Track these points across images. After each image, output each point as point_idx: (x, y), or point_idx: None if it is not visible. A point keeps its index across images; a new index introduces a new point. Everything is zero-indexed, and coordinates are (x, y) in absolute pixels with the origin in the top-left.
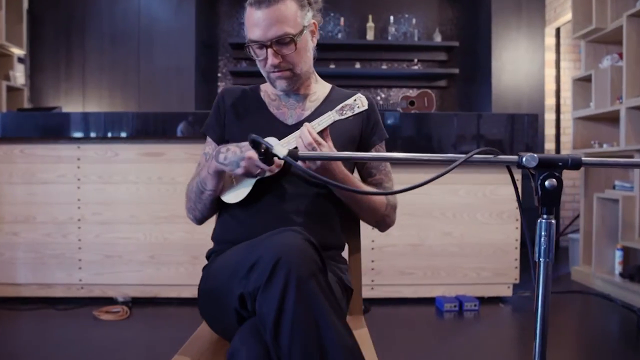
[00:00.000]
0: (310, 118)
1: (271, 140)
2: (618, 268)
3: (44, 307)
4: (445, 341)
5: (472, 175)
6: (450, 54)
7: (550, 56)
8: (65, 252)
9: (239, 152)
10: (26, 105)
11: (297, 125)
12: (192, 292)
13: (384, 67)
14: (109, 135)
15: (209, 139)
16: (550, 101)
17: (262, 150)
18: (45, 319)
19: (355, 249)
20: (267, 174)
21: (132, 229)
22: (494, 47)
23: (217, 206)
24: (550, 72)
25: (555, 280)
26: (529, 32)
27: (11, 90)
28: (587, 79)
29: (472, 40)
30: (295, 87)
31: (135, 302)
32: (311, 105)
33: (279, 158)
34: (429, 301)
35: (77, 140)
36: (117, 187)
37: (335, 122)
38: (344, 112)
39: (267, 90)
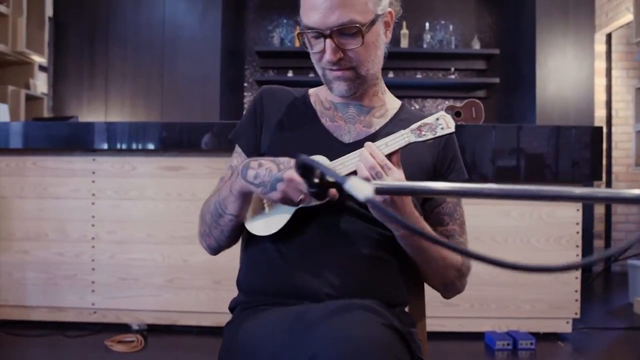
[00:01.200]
0: (373, 138)
1: (320, 160)
2: None
3: (54, 332)
4: None
5: None
6: (489, 62)
7: (600, 64)
8: (77, 273)
9: (276, 170)
10: (47, 114)
11: (356, 145)
12: (214, 321)
13: (419, 76)
14: (127, 147)
15: (238, 149)
16: (600, 113)
17: (317, 180)
18: (54, 347)
19: (419, 313)
20: (313, 202)
21: (149, 249)
22: (538, 54)
23: (238, 235)
24: (600, 82)
25: (614, 312)
26: (577, 38)
27: (31, 99)
28: None
29: (513, 47)
30: (358, 94)
31: (151, 330)
32: (376, 122)
33: (357, 199)
34: (477, 336)
35: (93, 152)
36: (134, 203)
37: (409, 144)
38: (423, 132)
39: (318, 96)
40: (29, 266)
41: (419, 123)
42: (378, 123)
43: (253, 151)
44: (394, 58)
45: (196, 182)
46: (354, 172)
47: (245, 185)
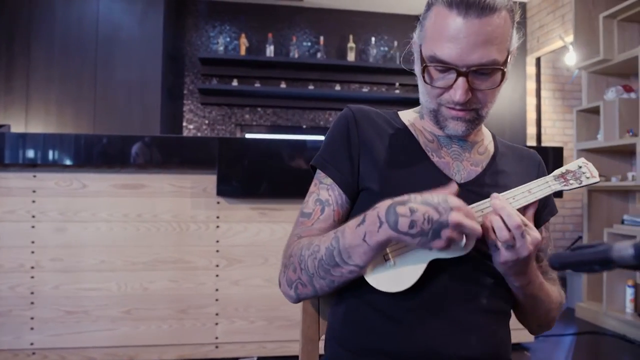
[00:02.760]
0: (482, 179)
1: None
2: (630, 306)
3: None
4: None
5: None
6: None
7: (530, 85)
8: (12, 308)
9: (436, 215)
10: None
11: (470, 185)
12: (178, 353)
13: (365, 90)
14: (76, 162)
15: (325, 180)
16: (531, 130)
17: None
18: None
19: None
20: (458, 253)
21: (102, 277)
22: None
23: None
24: (531, 101)
25: (559, 318)
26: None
27: None
28: (590, 111)
29: None
30: (468, 134)
31: None
32: (481, 159)
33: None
34: None
35: (33, 167)
36: (84, 226)
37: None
38: (569, 181)
39: (415, 125)
40: None
41: (562, 170)
42: (483, 160)
43: (348, 184)
44: (341, 71)
45: (158, 201)
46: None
47: (394, 236)
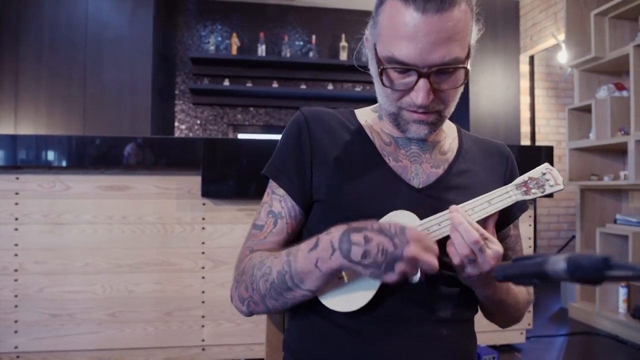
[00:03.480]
0: (444, 182)
1: (407, 218)
2: (622, 306)
3: None
4: None
5: None
6: None
7: (524, 83)
8: None
9: (392, 248)
10: None
11: (429, 190)
12: (164, 356)
13: (358, 89)
14: (59, 163)
15: (278, 191)
16: (525, 129)
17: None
18: None
19: None
20: (417, 277)
21: (87, 280)
22: (471, 70)
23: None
24: (524, 100)
25: (553, 318)
26: (505, 58)
27: None
28: (582, 109)
29: None
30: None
31: None
32: (443, 159)
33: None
34: None
35: (16, 169)
36: (68, 228)
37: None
38: (531, 190)
39: (373, 127)
40: None
41: (524, 178)
42: (445, 160)
43: (301, 195)
44: (333, 70)
45: (143, 203)
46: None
47: (347, 265)
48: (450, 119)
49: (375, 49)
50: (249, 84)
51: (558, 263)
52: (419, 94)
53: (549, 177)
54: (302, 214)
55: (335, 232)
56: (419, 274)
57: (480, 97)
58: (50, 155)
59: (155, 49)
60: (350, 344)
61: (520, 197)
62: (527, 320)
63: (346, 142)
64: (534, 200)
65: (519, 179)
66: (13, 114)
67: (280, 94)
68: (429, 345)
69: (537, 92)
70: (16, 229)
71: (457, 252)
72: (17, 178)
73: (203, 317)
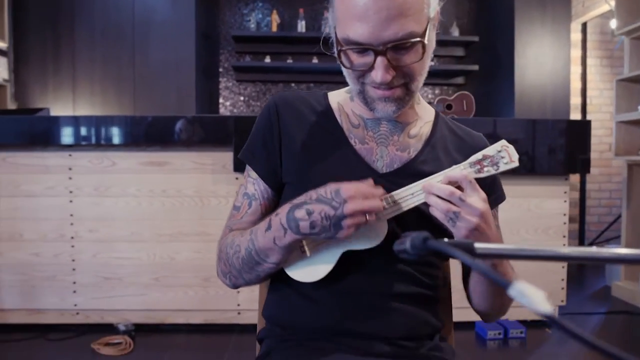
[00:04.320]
0: (411, 165)
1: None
2: None
3: (35, 336)
4: None
5: (515, 188)
6: (468, 49)
7: (575, 53)
8: (57, 274)
9: (332, 212)
10: (10, 103)
11: (392, 176)
12: (203, 318)
13: None
14: (105, 141)
15: (252, 174)
16: (575, 100)
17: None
18: (36, 350)
19: (449, 328)
20: (365, 246)
21: (133, 247)
22: (517, 42)
23: (271, 275)
24: (575, 70)
25: (593, 296)
26: (554, 27)
27: None
28: (632, 80)
29: (492, 35)
30: (400, 113)
31: (139, 329)
32: (412, 143)
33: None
34: (467, 326)
35: (69, 147)
36: (115, 200)
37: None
38: (484, 168)
39: (344, 108)
40: (4, 268)
41: (479, 156)
42: (414, 146)
43: (272, 177)
44: None
45: (180, 177)
46: (416, 208)
47: (301, 238)
48: (491, 91)
49: (336, 32)
50: (290, 60)
51: (407, 241)
52: (378, 72)
53: (505, 154)
54: (274, 195)
55: (282, 212)
56: (385, 228)
57: (527, 69)
58: (98, 134)
59: (198, 29)
60: (316, 314)
61: (473, 175)
62: (560, 297)
63: (314, 125)
64: (583, 175)
65: (474, 157)
66: (71, 93)
67: (320, 69)
68: (385, 314)
69: (589, 61)
70: (71, 201)
71: (439, 211)
72: (70, 155)
73: None
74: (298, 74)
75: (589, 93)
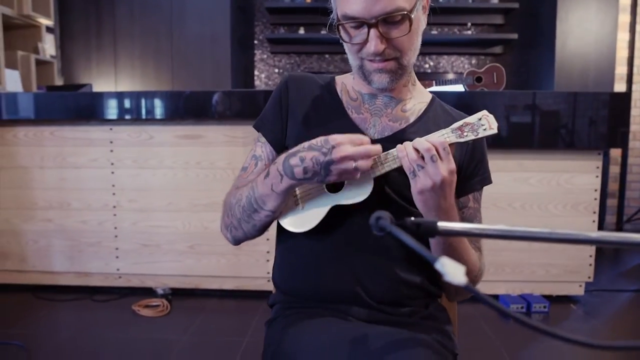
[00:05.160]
0: (401, 135)
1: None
2: None
3: (82, 297)
4: (513, 347)
5: (545, 162)
6: (507, 17)
7: (624, 18)
8: (101, 240)
9: (322, 157)
10: (57, 79)
11: (383, 142)
12: (235, 284)
13: (434, 32)
14: (142, 116)
15: (262, 139)
16: (620, 70)
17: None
18: (84, 310)
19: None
20: (355, 200)
21: (170, 217)
22: (559, 8)
23: (267, 228)
24: (622, 37)
25: (625, 274)
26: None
27: (40, 63)
28: None
29: (533, 1)
30: (395, 85)
31: (175, 293)
32: (403, 116)
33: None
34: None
35: (109, 121)
36: (153, 172)
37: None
38: (465, 133)
39: (345, 85)
40: (54, 234)
41: (460, 123)
42: (405, 119)
43: (277, 142)
44: None
45: (214, 150)
46: (397, 169)
47: (296, 183)
48: (530, 60)
49: (336, 12)
50: (324, 32)
51: (372, 217)
52: (371, 43)
53: (484, 122)
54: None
55: (279, 161)
56: (371, 184)
57: (569, 36)
58: (136, 109)
59: (233, 1)
60: (305, 273)
61: (454, 139)
62: (587, 272)
63: (317, 99)
64: (624, 150)
65: (456, 124)
66: (113, 68)
67: None
68: (368, 274)
69: (638, 27)
70: (112, 172)
71: (408, 160)
72: (111, 129)
73: (268, 252)
74: (332, 45)
75: (636, 62)
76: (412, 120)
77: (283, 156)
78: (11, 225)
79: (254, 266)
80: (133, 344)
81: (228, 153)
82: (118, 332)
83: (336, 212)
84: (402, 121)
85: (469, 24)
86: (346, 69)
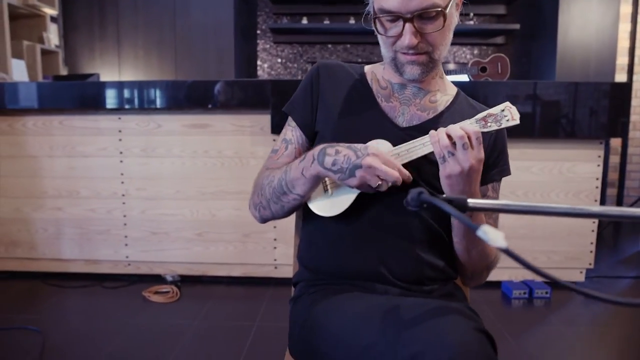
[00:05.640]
0: (429, 124)
1: (382, 145)
2: None
3: (92, 284)
4: (515, 330)
5: (547, 151)
6: (510, 7)
7: (626, 9)
8: (110, 228)
9: (354, 158)
10: (62, 68)
11: (411, 130)
12: (242, 271)
13: None
14: (151, 105)
15: (292, 123)
16: (621, 60)
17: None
18: (94, 296)
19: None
20: (382, 189)
21: (178, 205)
22: None
23: (295, 211)
24: (624, 28)
25: (625, 261)
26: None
27: (45, 53)
28: None
29: None
30: (425, 77)
31: (184, 280)
32: (431, 107)
33: (500, 249)
34: (494, 285)
35: (118, 111)
36: (161, 160)
37: None
38: (488, 124)
39: (375, 74)
40: (63, 222)
41: (484, 113)
42: (433, 109)
43: (307, 126)
44: None
45: (221, 139)
46: (423, 157)
47: (321, 171)
48: (532, 51)
49: (373, 5)
50: (327, 21)
51: (409, 194)
52: (406, 37)
53: (507, 113)
54: (307, 142)
55: (317, 148)
56: (383, 185)
57: (571, 26)
58: (145, 98)
59: None
60: (332, 253)
61: (478, 129)
62: (588, 259)
63: (348, 87)
64: (624, 139)
65: (480, 115)
66: (117, 58)
67: (357, 30)
68: (392, 256)
69: None
70: (121, 161)
71: (439, 146)
72: (120, 118)
73: (275, 240)
74: (335, 34)
75: (637, 52)
76: (439, 110)
77: (324, 145)
78: (21, 213)
79: (261, 253)
80: (146, 328)
81: (235, 142)
82: (130, 318)
83: (362, 196)
84: (430, 111)
85: (471, 14)
86: (349, 59)
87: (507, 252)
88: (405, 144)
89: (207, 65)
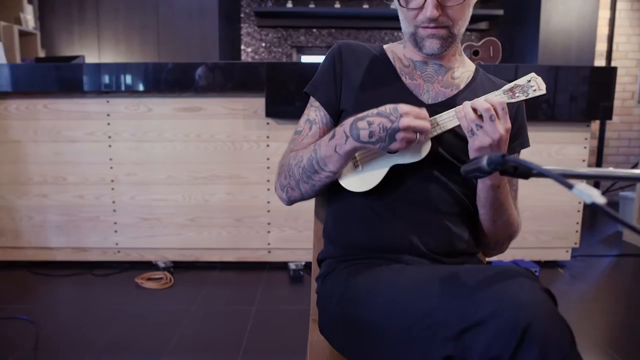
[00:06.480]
0: (453, 100)
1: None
2: None
3: (81, 272)
4: None
5: (535, 133)
6: None
7: None
8: (99, 214)
9: (389, 124)
10: (40, 51)
11: (436, 106)
12: (235, 256)
13: None
14: (141, 88)
15: (315, 103)
16: (601, 47)
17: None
18: (84, 285)
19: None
20: (412, 160)
21: (169, 190)
22: None
23: (322, 190)
24: (603, 14)
25: (606, 240)
26: None
27: (23, 35)
28: None
29: None
30: (444, 53)
31: (176, 267)
32: (453, 83)
33: (597, 206)
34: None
35: (106, 94)
36: (152, 145)
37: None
38: (516, 94)
39: (396, 53)
40: (49, 209)
41: (511, 84)
42: (455, 86)
43: (332, 106)
44: None
45: (214, 122)
46: (450, 131)
47: (360, 146)
48: (515, 36)
49: None
50: (312, 5)
51: (484, 159)
52: (428, 8)
53: (534, 84)
54: (331, 122)
55: (346, 123)
56: (428, 145)
57: (553, 13)
58: (133, 80)
59: None
60: (362, 228)
61: (507, 100)
62: (574, 239)
63: (371, 66)
64: (603, 123)
65: (507, 86)
66: (96, 40)
67: (342, 14)
68: (423, 228)
69: (619, 5)
70: (110, 146)
71: (466, 120)
72: (108, 102)
73: (269, 224)
74: (320, 18)
75: (616, 39)
76: (462, 86)
77: (351, 119)
78: (5, 201)
79: (254, 238)
80: (141, 315)
81: (228, 125)
82: (124, 305)
83: (392, 170)
84: (452, 87)
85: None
86: (334, 44)
87: (603, 209)
88: (435, 117)
89: (191, 49)
